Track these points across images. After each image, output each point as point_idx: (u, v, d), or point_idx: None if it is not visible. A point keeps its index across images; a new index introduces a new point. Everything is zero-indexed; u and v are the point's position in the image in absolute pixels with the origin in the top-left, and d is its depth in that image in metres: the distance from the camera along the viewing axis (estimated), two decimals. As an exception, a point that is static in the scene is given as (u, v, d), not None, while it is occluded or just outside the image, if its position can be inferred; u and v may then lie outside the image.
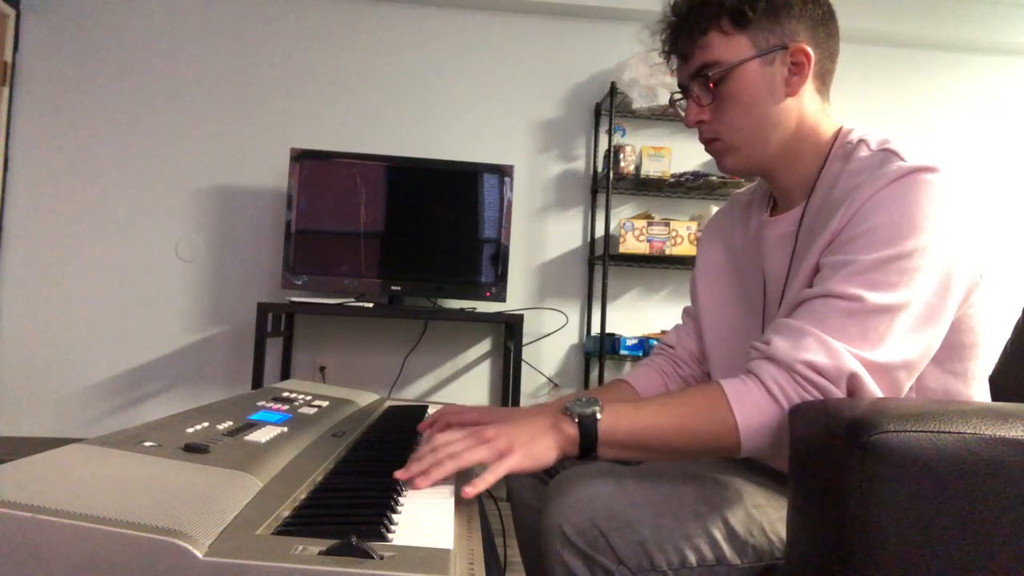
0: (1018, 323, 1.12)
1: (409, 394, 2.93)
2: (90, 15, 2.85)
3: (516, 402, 2.55)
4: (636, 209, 3.03)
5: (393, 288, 2.67)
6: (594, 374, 2.89)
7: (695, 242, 2.74)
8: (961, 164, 3.16)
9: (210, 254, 2.87)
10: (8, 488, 0.47)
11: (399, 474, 0.69)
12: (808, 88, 0.85)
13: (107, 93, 2.85)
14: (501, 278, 2.70)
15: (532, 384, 2.95)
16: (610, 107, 2.82)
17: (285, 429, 0.82)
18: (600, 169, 2.97)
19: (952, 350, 0.77)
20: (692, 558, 0.72)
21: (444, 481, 0.70)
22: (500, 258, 2.71)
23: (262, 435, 0.76)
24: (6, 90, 2.76)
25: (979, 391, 0.82)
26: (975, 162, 3.16)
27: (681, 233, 2.75)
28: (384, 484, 0.66)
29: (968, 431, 0.56)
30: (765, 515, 0.78)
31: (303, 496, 0.62)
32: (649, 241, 2.75)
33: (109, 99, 2.85)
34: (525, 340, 2.81)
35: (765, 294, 0.92)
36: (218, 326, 2.86)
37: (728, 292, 1.00)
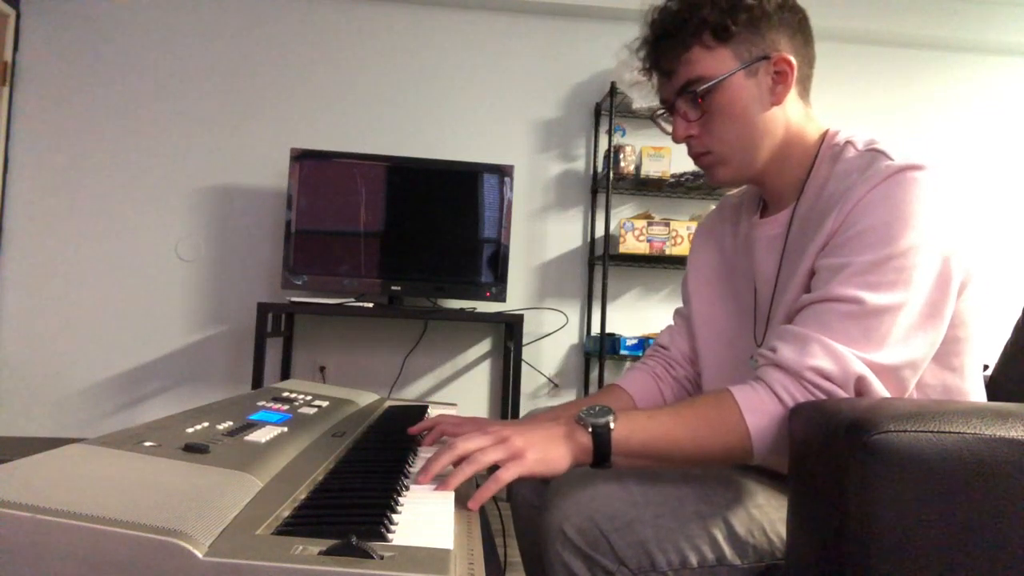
0: (1018, 323, 1.13)
1: (409, 394, 2.93)
2: (90, 15, 2.85)
3: (516, 402, 2.56)
4: (636, 209, 3.03)
5: (393, 288, 2.67)
6: (594, 374, 2.89)
7: (695, 242, 2.73)
8: (960, 164, 3.16)
9: (210, 254, 2.87)
10: (8, 488, 0.47)
11: (420, 479, 0.69)
12: (792, 95, 0.86)
13: (107, 93, 2.85)
14: (501, 278, 2.70)
15: (532, 384, 2.95)
16: (610, 107, 2.82)
17: (285, 429, 0.82)
18: (600, 169, 2.97)
19: (948, 345, 0.78)
20: (693, 558, 0.72)
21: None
22: (500, 258, 2.71)
23: (262, 435, 0.76)
24: (6, 90, 2.76)
25: (974, 384, 0.83)
26: (975, 162, 3.16)
27: (681, 233, 2.75)
28: (384, 484, 0.66)
29: (968, 431, 0.56)
30: (765, 515, 0.78)
31: (303, 496, 0.62)
32: (649, 241, 2.75)
33: (109, 99, 2.85)
34: (525, 340, 2.81)
35: (756, 295, 0.93)
36: (218, 326, 2.86)
37: (719, 293, 1.01)
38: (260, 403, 0.97)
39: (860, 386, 0.70)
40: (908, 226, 0.71)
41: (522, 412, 2.61)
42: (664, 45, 0.86)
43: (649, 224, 2.75)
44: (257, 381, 2.44)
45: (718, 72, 0.83)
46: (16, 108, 2.80)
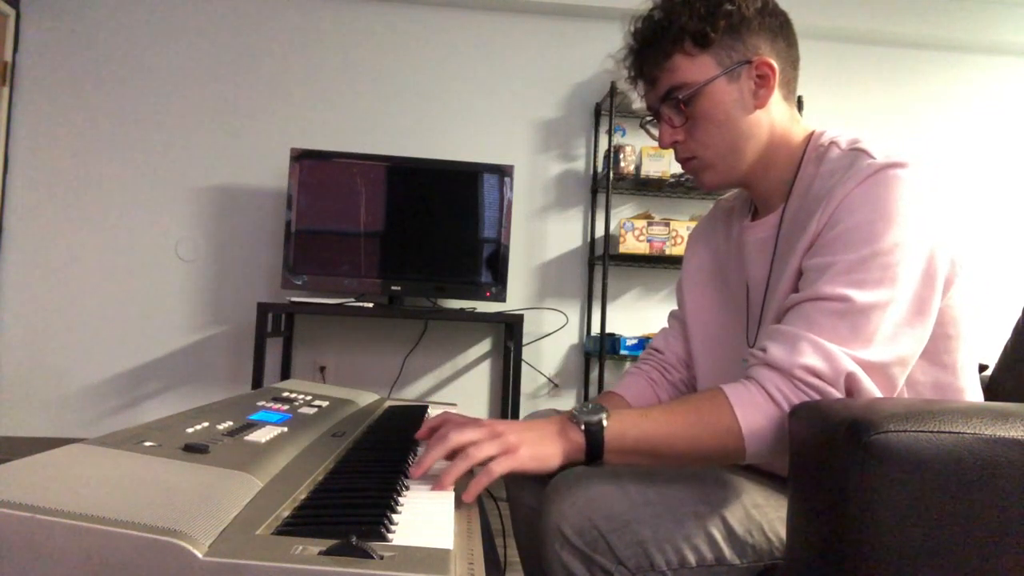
0: (1018, 323, 1.13)
1: (409, 394, 2.93)
2: (90, 15, 2.85)
3: (516, 402, 2.56)
4: (636, 209, 3.03)
5: (393, 288, 2.67)
6: (594, 374, 2.89)
7: (695, 242, 2.74)
8: (960, 164, 3.16)
9: (210, 254, 2.87)
10: (8, 488, 0.47)
11: (414, 472, 0.70)
12: (776, 97, 0.87)
13: (107, 93, 2.85)
14: (501, 278, 2.70)
15: (532, 384, 2.95)
16: (610, 107, 2.82)
17: (285, 429, 0.82)
18: (600, 169, 2.97)
19: (938, 342, 0.78)
20: (691, 558, 0.73)
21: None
22: (500, 258, 2.71)
23: (262, 435, 0.76)
24: (6, 90, 2.76)
25: (968, 381, 0.83)
26: (975, 162, 3.16)
27: (681, 233, 2.75)
28: (384, 484, 0.66)
29: (968, 431, 0.56)
30: (764, 515, 0.78)
31: (303, 496, 0.62)
32: (649, 241, 2.75)
33: (109, 99, 2.85)
34: (525, 340, 2.81)
35: (748, 298, 0.94)
36: (218, 326, 2.86)
37: (713, 296, 1.02)
38: (260, 403, 0.97)
39: (850, 383, 0.71)
40: (891, 223, 0.72)
41: (522, 412, 2.61)
42: (646, 53, 0.88)
43: (649, 224, 2.75)
44: (257, 381, 2.44)
45: (700, 78, 0.84)
46: (16, 108, 2.80)
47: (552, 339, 2.99)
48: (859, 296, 0.71)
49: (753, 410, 0.73)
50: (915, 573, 0.55)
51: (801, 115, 0.94)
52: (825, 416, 0.63)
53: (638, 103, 2.73)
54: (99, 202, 2.83)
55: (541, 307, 2.99)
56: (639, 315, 3.01)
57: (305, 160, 2.67)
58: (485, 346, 2.98)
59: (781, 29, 0.88)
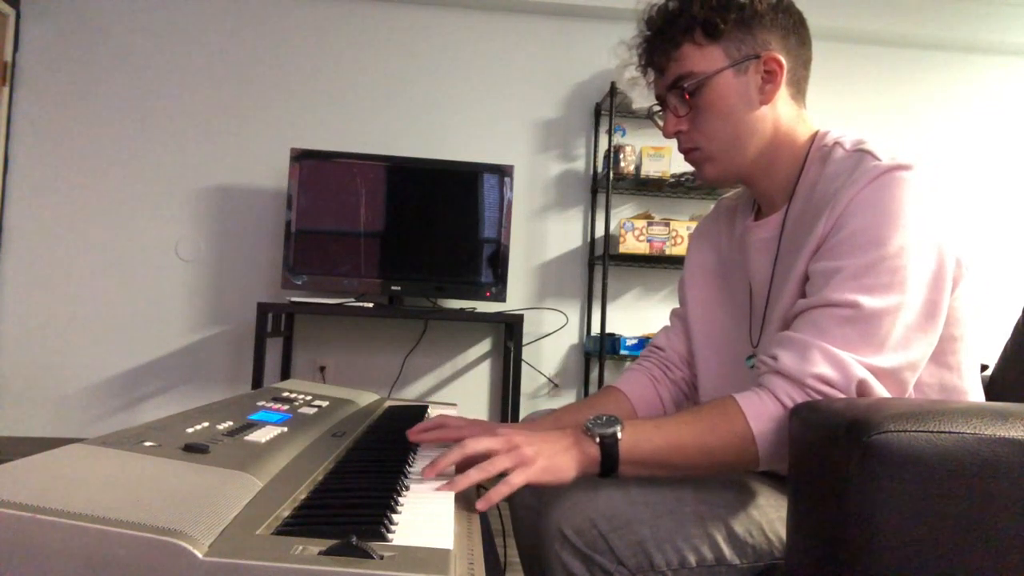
0: (1018, 323, 1.13)
1: (409, 394, 2.93)
2: (90, 15, 2.85)
3: (516, 402, 2.56)
4: (636, 209, 3.03)
5: (393, 288, 2.67)
6: (594, 374, 2.89)
7: (695, 242, 2.74)
8: (960, 164, 3.16)
9: (210, 254, 2.87)
10: (8, 488, 0.47)
11: (427, 472, 0.71)
12: (783, 95, 0.87)
13: (107, 93, 2.85)
14: (501, 278, 2.70)
15: (532, 384, 2.95)
16: (610, 107, 2.82)
17: (285, 429, 0.82)
18: (600, 169, 2.97)
19: (943, 343, 0.78)
20: (691, 558, 0.72)
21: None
22: (500, 258, 2.71)
23: (262, 435, 0.76)
24: (6, 90, 2.76)
25: (971, 383, 0.83)
26: (974, 162, 3.16)
27: (681, 233, 2.75)
28: (384, 484, 0.66)
29: (968, 431, 0.56)
30: (764, 515, 0.78)
31: (303, 496, 0.62)
32: (649, 241, 2.75)
33: (109, 99, 2.85)
34: (525, 340, 2.81)
35: (751, 297, 0.93)
36: (218, 326, 2.86)
37: (715, 295, 1.01)
38: (260, 403, 0.97)
39: (862, 390, 0.70)
40: (898, 227, 0.72)
41: (522, 412, 2.61)
42: (657, 41, 0.88)
43: (649, 224, 2.75)
44: (257, 381, 2.44)
45: (707, 69, 0.84)
46: (16, 108, 2.80)
47: (552, 339, 2.99)
48: (868, 302, 0.71)
49: (766, 419, 0.72)
50: (915, 573, 0.55)
51: None
52: (825, 416, 0.63)
53: (638, 103, 2.74)
54: (99, 202, 2.83)
55: (541, 307, 2.99)
56: (639, 315, 3.01)
57: (305, 160, 2.67)
58: (485, 346, 2.98)
59: (794, 28, 0.87)
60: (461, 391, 2.95)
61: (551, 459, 0.72)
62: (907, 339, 0.72)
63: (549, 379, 2.98)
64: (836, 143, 0.84)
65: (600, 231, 3.00)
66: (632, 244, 2.74)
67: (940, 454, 0.56)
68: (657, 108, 0.94)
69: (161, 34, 2.88)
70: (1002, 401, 0.70)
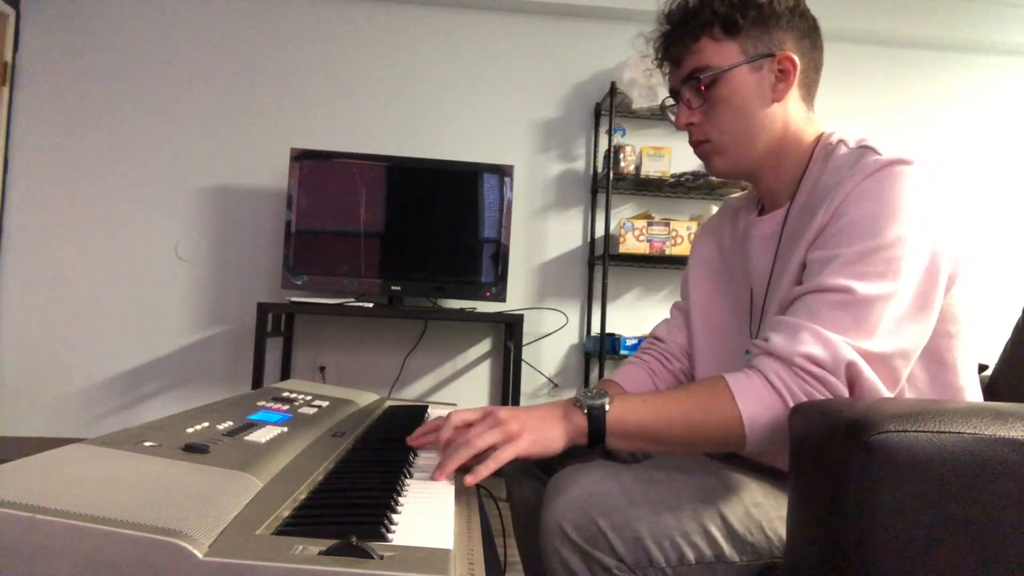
0: (1018, 323, 1.13)
1: (409, 394, 2.93)
2: (90, 15, 2.85)
3: (516, 402, 2.55)
4: (636, 209, 3.03)
5: (393, 288, 2.67)
6: (594, 374, 2.89)
7: (695, 242, 2.74)
8: (961, 164, 3.16)
9: (210, 254, 2.87)
10: (8, 488, 0.47)
11: (437, 475, 0.71)
12: (794, 95, 0.89)
13: (107, 93, 2.85)
14: (501, 278, 2.70)
15: (532, 384, 2.95)
16: (610, 107, 2.82)
17: (285, 429, 0.82)
18: (600, 169, 2.97)
19: (939, 339, 0.79)
20: (690, 554, 0.73)
21: (445, 481, 0.71)
22: (500, 258, 2.71)
23: (262, 435, 0.76)
24: (6, 90, 2.76)
25: (968, 380, 0.84)
26: (975, 162, 3.16)
27: (681, 233, 2.75)
28: (384, 484, 0.66)
29: (968, 431, 0.56)
30: (764, 513, 0.78)
31: (303, 496, 0.62)
32: (649, 241, 2.75)
33: (109, 99, 2.85)
34: (525, 340, 2.81)
35: (752, 291, 0.95)
36: (218, 326, 2.86)
37: (717, 289, 1.03)
38: (260, 403, 0.97)
39: (851, 372, 0.71)
40: (895, 218, 0.73)
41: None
42: (676, 34, 0.91)
43: (649, 224, 2.75)
44: (257, 381, 2.44)
45: (723, 63, 0.87)
46: (16, 108, 2.80)
47: (552, 339, 2.99)
48: (861, 288, 0.72)
49: (753, 398, 0.74)
50: (915, 573, 0.55)
51: None
52: (825, 416, 0.63)
53: (638, 103, 2.74)
54: (99, 202, 2.83)
55: (541, 307, 2.99)
56: (639, 315, 3.01)
57: (305, 160, 2.67)
58: (485, 346, 2.98)
59: (809, 32, 0.90)
60: (461, 391, 2.95)
61: (537, 432, 0.74)
62: (898, 327, 0.73)
63: (549, 379, 2.98)
64: (840, 141, 0.86)
65: (600, 231, 3.00)
66: (632, 244, 2.74)
67: (940, 454, 0.56)
68: (671, 102, 0.96)
69: (161, 34, 2.88)
70: (1002, 401, 0.70)
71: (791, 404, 0.72)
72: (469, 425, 0.77)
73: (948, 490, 0.56)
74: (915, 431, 0.56)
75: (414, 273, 2.70)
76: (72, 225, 2.82)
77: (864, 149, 0.80)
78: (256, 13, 2.93)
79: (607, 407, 0.76)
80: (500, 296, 2.70)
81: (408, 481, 0.70)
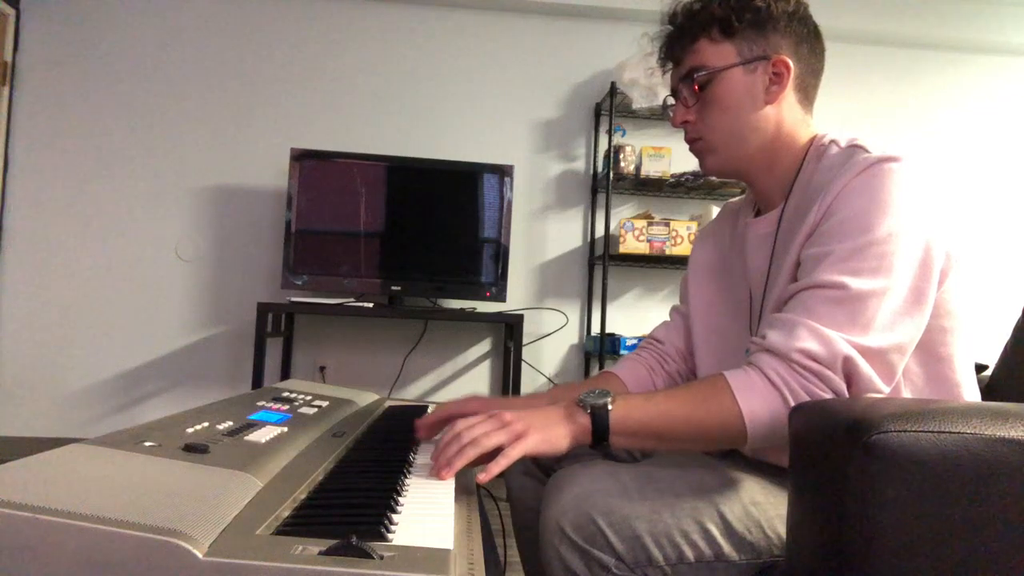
0: (1018, 323, 1.13)
1: (409, 394, 2.93)
2: (90, 15, 2.85)
3: (516, 402, 2.55)
4: (636, 209, 3.03)
5: (393, 288, 2.67)
6: (594, 374, 2.88)
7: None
8: (960, 163, 3.16)
9: (210, 254, 2.87)
10: (8, 488, 0.47)
11: (444, 474, 0.72)
12: (789, 99, 0.91)
13: (107, 93, 2.85)
14: (501, 278, 2.70)
15: (532, 384, 2.95)
16: (610, 107, 2.82)
17: (285, 429, 0.82)
18: (600, 169, 2.97)
19: (933, 334, 0.80)
20: (689, 553, 0.73)
21: (445, 480, 0.71)
22: (500, 258, 2.71)
23: (262, 435, 0.76)
24: (6, 90, 2.76)
25: (964, 375, 0.84)
26: (974, 161, 3.16)
27: (681, 233, 2.75)
28: (384, 484, 0.66)
29: (968, 431, 0.56)
30: (763, 512, 0.78)
31: (303, 496, 0.62)
32: (649, 241, 2.75)
33: (109, 99, 2.85)
34: (525, 340, 2.81)
35: (750, 292, 0.96)
36: (218, 326, 2.86)
37: (716, 290, 1.04)
38: (260, 403, 0.97)
39: (847, 367, 0.72)
40: (886, 214, 0.74)
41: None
42: (676, 35, 0.93)
43: (649, 224, 2.75)
44: (257, 381, 2.44)
45: (718, 64, 0.89)
46: (16, 108, 2.80)
47: (552, 339, 2.99)
48: (855, 283, 0.73)
49: (753, 394, 0.75)
50: (915, 573, 0.55)
51: None
52: (825, 415, 0.63)
53: (638, 103, 2.73)
54: (99, 202, 2.83)
55: (541, 307, 2.99)
56: (639, 315, 3.01)
57: (305, 160, 2.67)
58: (485, 346, 2.98)
59: (807, 37, 0.91)
60: (461, 391, 2.95)
61: (543, 431, 0.76)
62: (893, 322, 0.74)
63: (549, 379, 2.98)
64: (832, 141, 0.87)
65: (600, 231, 3.00)
66: (632, 244, 2.74)
67: (940, 454, 0.56)
68: (671, 100, 0.98)
69: (161, 34, 2.88)
70: (1002, 401, 0.70)
71: (790, 399, 0.73)
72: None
73: (948, 490, 0.56)
74: (915, 431, 0.56)
75: (414, 273, 2.70)
76: (72, 225, 2.82)
77: (854, 148, 0.82)
78: (256, 13, 2.93)
79: (610, 406, 0.77)
80: (500, 296, 2.70)
81: (408, 481, 0.70)
